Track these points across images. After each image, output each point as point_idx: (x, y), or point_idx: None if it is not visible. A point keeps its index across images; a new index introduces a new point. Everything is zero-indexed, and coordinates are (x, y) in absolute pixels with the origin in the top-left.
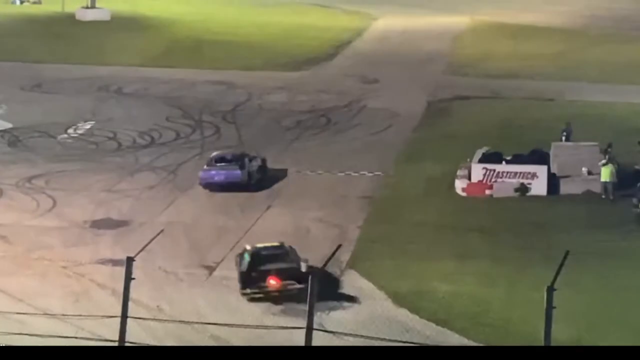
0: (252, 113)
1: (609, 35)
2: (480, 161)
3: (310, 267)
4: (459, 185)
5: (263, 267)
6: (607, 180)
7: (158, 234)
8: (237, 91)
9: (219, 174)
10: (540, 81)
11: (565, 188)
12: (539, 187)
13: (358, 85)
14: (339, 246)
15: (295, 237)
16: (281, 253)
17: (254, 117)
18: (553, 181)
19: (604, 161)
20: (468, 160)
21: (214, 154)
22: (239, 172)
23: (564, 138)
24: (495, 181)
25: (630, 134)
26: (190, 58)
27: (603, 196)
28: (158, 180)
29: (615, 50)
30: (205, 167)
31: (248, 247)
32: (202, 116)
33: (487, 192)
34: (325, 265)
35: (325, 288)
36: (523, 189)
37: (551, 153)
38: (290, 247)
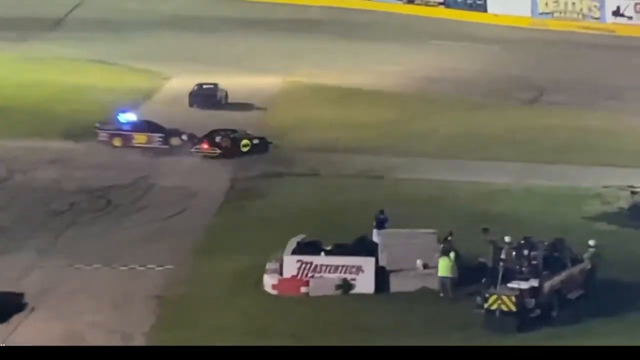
0: (14, 193)
1: (450, 101)
2: (295, 252)
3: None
4: (269, 281)
5: (204, 136)
6: (446, 275)
7: None
8: None
9: (201, 95)
10: (369, 155)
11: (396, 284)
12: (365, 283)
13: (146, 158)
14: None
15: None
16: (232, 132)
17: (15, 197)
18: (382, 276)
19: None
20: (280, 251)
21: (197, 83)
22: (217, 94)
23: (374, 227)
24: (313, 276)
25: (474, 220)
26: None
27: (441, 294)
28: None
29: (458, 119)
30: (192, 90)
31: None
32: None
33: (303, 289)
34: None
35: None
36: (346, 285)
37: (379, 242)
38: (245, 131)
